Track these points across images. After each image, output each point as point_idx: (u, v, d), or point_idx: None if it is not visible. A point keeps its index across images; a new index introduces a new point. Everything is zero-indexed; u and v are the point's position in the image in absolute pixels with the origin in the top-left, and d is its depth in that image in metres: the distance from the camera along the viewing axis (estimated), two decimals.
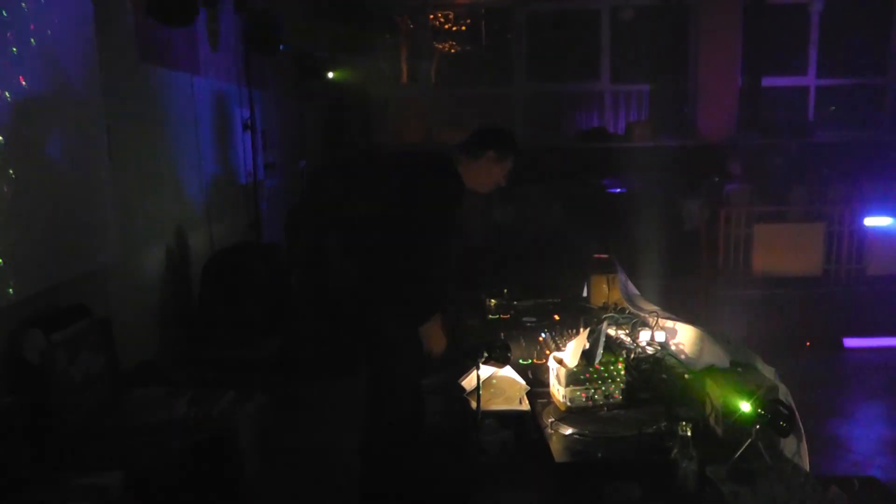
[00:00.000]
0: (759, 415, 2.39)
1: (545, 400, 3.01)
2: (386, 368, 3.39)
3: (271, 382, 4.75)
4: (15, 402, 2.86)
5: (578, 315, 3.84)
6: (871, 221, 7.13)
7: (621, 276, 4.19)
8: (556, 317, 3.98)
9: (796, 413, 2.45)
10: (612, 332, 3.55)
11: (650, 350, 3.38)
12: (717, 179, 8.39)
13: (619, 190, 8.93)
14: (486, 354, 2.99)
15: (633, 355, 3.29)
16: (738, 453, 2.37)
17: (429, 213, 3.25)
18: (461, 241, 3.54)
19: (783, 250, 7.09)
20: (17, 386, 3.06)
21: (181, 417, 3.54)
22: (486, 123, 3.60)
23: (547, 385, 3.07)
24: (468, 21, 10.67)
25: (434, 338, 3.33)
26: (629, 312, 3.81)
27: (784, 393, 2.55)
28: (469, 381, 3.18)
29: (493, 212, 8.58)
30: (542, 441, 2.71)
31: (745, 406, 2.43)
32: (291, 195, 7.54)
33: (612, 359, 2.91)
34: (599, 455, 2.52)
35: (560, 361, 2.93)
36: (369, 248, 3.43)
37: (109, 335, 3.67)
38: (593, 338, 2.90)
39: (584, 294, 4.35)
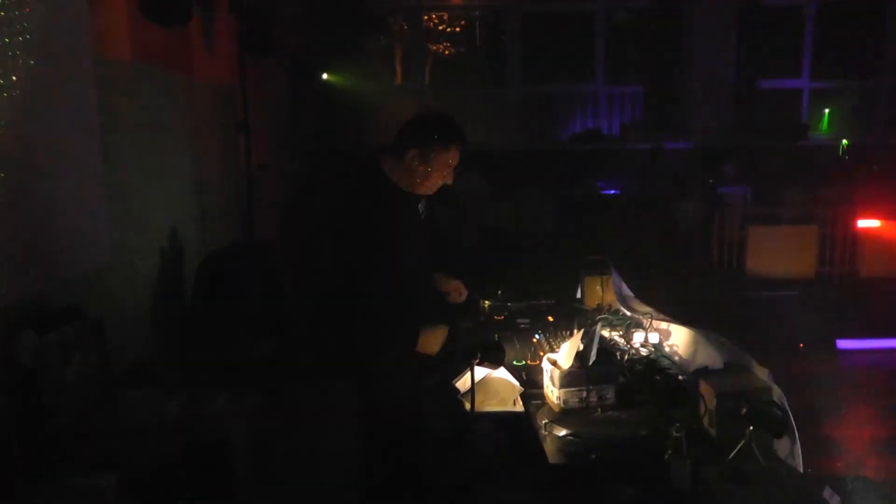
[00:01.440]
0: (752, 416, 2.39)
1: (539, 401, 3.01)
2: (377, 399, 3.12)
3: (265, 383, 4.75)
4: (8, 403, 2.85)
5: (572, 316, 3.84)
6: (863, 224, 7.16)
7: (615, 278, 4.20)
8: (550, 318, 3.98)
9: (790, 414, 2.46)
10: (605, 333, 3.56)
11: (644, 351, 3.39)
12: (711, 181, 8.42)
13: (613, 192, 8.95)
14: (480, 356, 2.98)
15: (626, 357, 3.29)
16: (732, 454, 2.37)
17: (349, 248, 2.84)
18: (417, 257, 3.05)
19: (777, 252, 7.12)
20: (10, 387, 3.05)
21: (175, 419, 3.53)
22: (423, 111, 3.01)
23: (541, 386, 3.07)
24: (462, 23, 10.68)
25: (429, 344, 2.99)
26: (623, 314, 3.81)
27: (778, 394, 2.56)
28: (463, 383, 3.18)
29: (486, 213, 8.59)
30: (536, 442, 2.71)
31: (739, 407, 2.44)
32: (285, 197, 7.53)
33: (606, 360, 2.91)
34: (593, 456, 2.52)
35: (554, 363, 2.93)
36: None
37: (103, 336, 3.66)
38: (587, 339, 2.90)
39: (578, 295, 4.35)
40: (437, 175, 2.92)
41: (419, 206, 3.06)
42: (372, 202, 2.85)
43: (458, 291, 3.37)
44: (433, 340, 2.98)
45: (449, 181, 2.97)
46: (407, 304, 2.91)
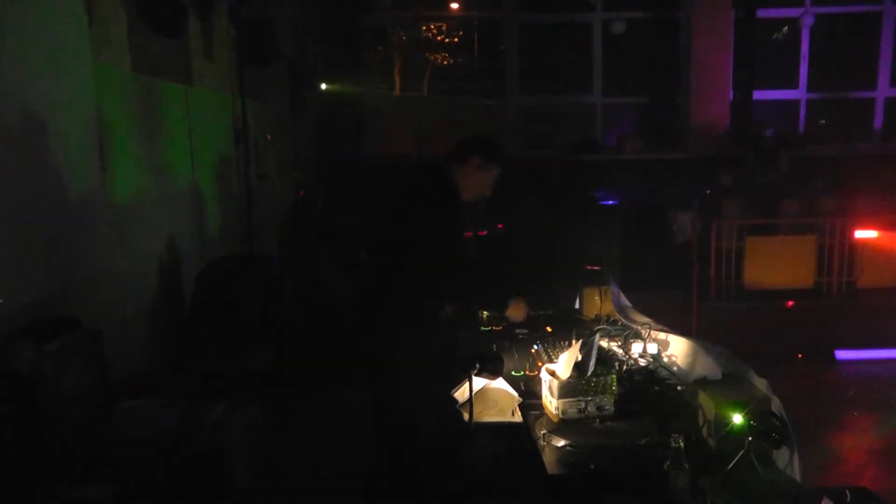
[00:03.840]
0: (751, 426, 2.39)
1: (538, 412, 3.00)
2: (391, 396, 3.37)
3: (263, 394, 4.74)
4: (4, 413, 2.84)
5: (571, 327, 3.83)
6: (861, 234, 7.16)
7: (613, 289, 4.19)
8: (549, 329, 3.97)
9: (788, 425, 2.45)
10: (604, 343, 3.55)
11: (642, 362, 3.38)
12: (708, 192, 8.42)
13: (610, 202, 8.95)
14: (478, 366, 2.98)
15: (625, 367, 3.29)
16: (731, 465, 2.37)
17: (434, 229, 3.24)
18: (462, 252, 3.50)
19: (775, 263, 7.11)
20: (7, 397, 3.04)
21: (172, 429, 3.52)
22: (475, 133, 3.60)
23: (539, 397, 3.06)
24: (461, 33, 10.71)
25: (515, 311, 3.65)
26: (621, 324, 3.81)
27: (776, 405, 2.55)
28: (462, 393, 3.17)
29: (484, 223, 8.58)
30: (534, 453, 2.71)
31: (738, 418, 2.44)
32: (284, 206, 7.53)
33: (605, 371, 2.91)
34: (592, 467, 2.52)
35: (553, 373, 2.93)
36: (367, 266, 3.46)
37: (100, 346, 3.65)
38: (586, 349, 2.90)
39: (577, 306, 4.35)
40: (483, 184, 3.46)
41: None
42: (451, 200, 3.33)
43: (519, 310, 3.74)
44: (518, 308, 3.65)
45: (487, 194, 3.51)
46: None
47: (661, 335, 3.52)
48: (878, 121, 9.94)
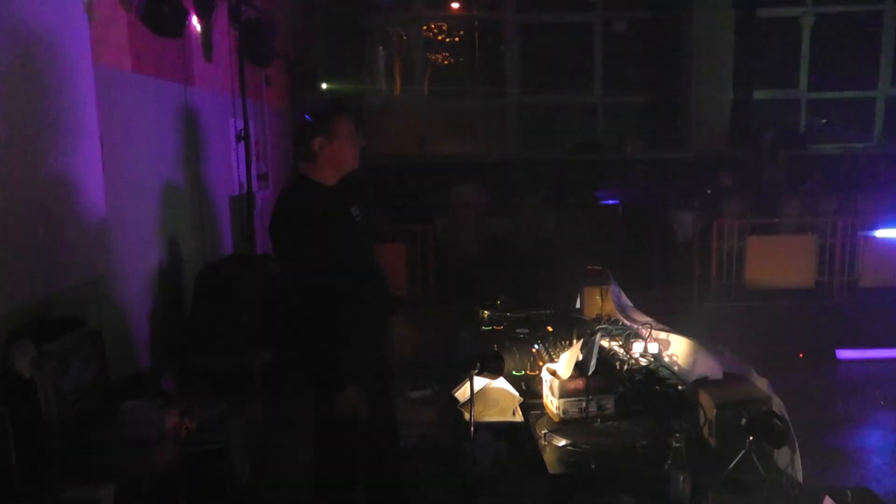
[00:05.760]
0: (752, 426, 2.39)
1: (539, 411, 3.00)
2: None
3: (264, 393, 4.73)
4: (5, 413, 2.84)
5: (572, 326, 3.83)
6: (863, 234, 7.16)
7: (614, 288, 4.19)
8: (550, 328, 3.97)
9: (789, 424, 2.45)
10: (605, 343, 3.55)
11: (643, 362, 3.38)
12: (709, 192, 8.43)
13: (611, 202, 8.95)
14: (479, 366, 2.98)
15: (626, 367, 3.29)
16: (732, 465, 2.37)
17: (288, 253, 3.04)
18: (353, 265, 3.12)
19: (776, 262, 7.12)
20: (7, 397, 3.03)
21: (173, 429, 3.51)
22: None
23: (540, 396, 3.06)
24: (461, 32, 10.70)
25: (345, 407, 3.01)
26: (622, 324, 3.81)
27: (777, 404, 2.55)
28: (463, 393, 3.17)
29: (486, 223, 8.59)
30: (535, 452, 2.71)
31: (739, 417, 2.43)
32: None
33: (606, 370, 2.91)
34: (593, 467, 2.52)
35: (553, 373, 2.93)
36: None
37: (101, 346, 3.65)
38: (587, 349, 2.90)
39: (578, 305, 4.35)
40: (348, 145, 3.07)
41: (352, 209, 3.18)
42: (302, 202, 3.03)
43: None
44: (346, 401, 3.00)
45: (362, 143, 3.16)
46: (354, 300, 3.04)
47: (662, 335, 3.52)
48: (878, 120, 9.95)
